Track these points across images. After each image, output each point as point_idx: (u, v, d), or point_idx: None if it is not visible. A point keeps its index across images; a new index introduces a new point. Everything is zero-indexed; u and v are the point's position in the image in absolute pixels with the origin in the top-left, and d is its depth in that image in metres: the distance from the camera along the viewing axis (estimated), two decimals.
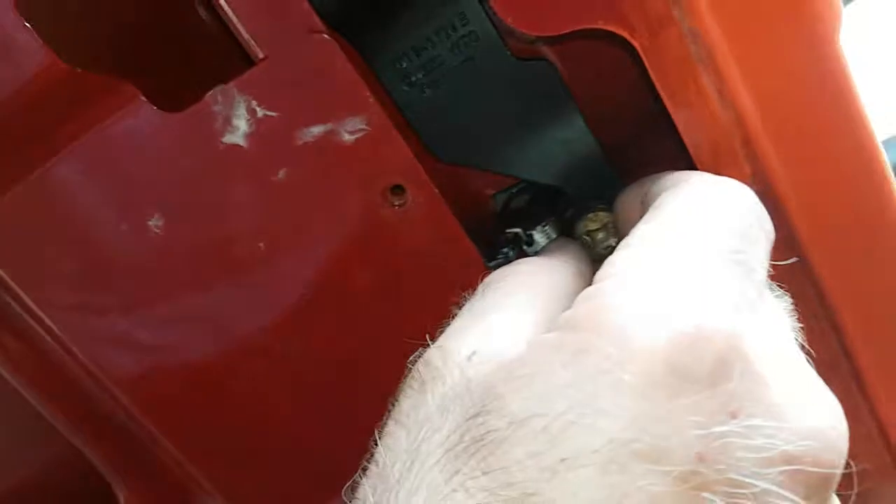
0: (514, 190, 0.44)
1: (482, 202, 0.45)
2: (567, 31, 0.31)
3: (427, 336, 0.30)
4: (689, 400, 0.22)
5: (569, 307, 0.26)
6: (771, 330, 0.26)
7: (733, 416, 0.22)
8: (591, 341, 0.23)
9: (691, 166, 0.35)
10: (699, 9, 0.30)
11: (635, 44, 0.31)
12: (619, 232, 0.39)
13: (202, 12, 0.39)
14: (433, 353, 0.28)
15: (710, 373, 0.22)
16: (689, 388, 0.22)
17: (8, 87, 0.32)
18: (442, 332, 0.31)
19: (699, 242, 0.26)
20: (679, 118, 0.33)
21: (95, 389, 0.42)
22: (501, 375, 0.24)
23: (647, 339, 0.22)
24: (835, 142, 0.33)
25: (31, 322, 0.41)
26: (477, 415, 0.23)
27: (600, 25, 0.31)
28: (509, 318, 0.29)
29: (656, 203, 0.29)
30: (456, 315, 0.32)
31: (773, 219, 0.35)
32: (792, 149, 0.33)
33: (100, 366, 0.41)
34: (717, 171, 0.34)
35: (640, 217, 0.29)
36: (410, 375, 0.28)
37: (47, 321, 0.40)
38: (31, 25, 0.31)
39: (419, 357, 0.29)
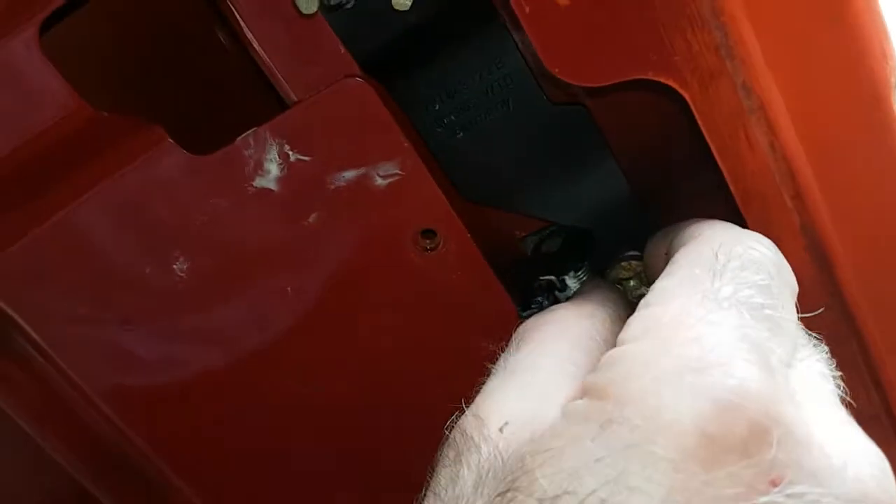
0: (545, 232, 0.43)
1: (511, 243, 0.44)
2: (616, 81, 0.30)
3: (462, 400, 0.29)
4: (726, 471, 0.21)
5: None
6: (807, 386, 0.25)
7: (774, 484, 0.21)
8: (617, 412, 0.22)
9: (728, 212, 0.34)
10: (753, 62, 0.29)
11: (685, 95, 0.30)
12: (649, 280, 0.38)
13: (229, 47, 0.38)
14: (468, 422, 0.27)
15: (745, 441, 0.21)
16: (724, 458, 0.21)
17: (33, 128, 0.31)
18: (478, 391, 0.30)
19: (722, 300, 0.25)
20: (727, 168, 0.32)
21: (111, 432, 0.40)
22: (532, 448, 0.23)
23: (675, 408, 0.21)
24: (885, 198, 0.32)
25: (43, 361, 0.40)
26: (507, 491, 0.22)
27: (650, 76, 0.30)
28: (543, 378, 0.28)
29: (676, 257, 0.28)
30: (491, 370, 0.31)
31: (819, 270, 0.35)
32: (843, 203, 0.32)
33: (115, 408, 0.40)
34: (766, 222, 0.33)
35: (664, 269, 0.28)
36: (447, 443, 0.28)
37: (60, 362, 0.39)
38: (58, 68, 0.30)
39: (455, 422, 0.28)
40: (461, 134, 0.38)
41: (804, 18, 0.29)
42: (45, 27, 0.28)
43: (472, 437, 0.26)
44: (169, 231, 0.36)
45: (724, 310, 0.24)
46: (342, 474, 0.43)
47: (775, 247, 0.29)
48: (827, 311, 0.35)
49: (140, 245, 0.36)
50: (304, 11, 0.30)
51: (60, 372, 0.39)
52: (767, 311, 0.25)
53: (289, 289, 0.39)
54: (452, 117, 0.38)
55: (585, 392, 0.24)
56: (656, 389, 0.22)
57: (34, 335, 0.38)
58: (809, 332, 0.28)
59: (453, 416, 0.29)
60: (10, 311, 0.37)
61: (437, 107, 0.37)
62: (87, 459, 0.40)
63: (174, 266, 0.37)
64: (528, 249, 0.44)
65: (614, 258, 0.41)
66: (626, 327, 0.26)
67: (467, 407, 0.29)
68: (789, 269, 0.28)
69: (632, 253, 0.41)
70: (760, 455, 0.21)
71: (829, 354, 0.28)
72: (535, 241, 0.43)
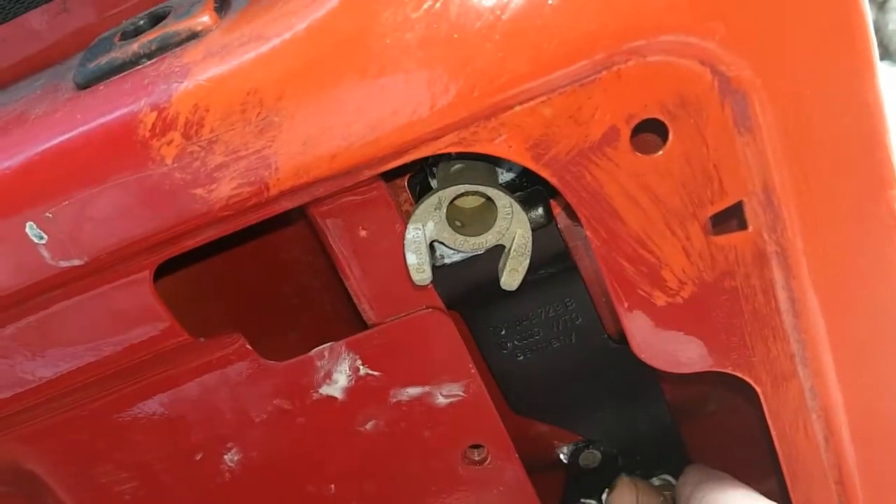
0: (580, 445, 0.44)
1: (549, 451, 0.45)
2: (699, 371, 0.32)
3: None
4: None
5: None
6: None
7: None
8: None
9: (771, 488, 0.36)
10: (824, 372, 0.31)
11: (758, 389, 0.32)
12: None
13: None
14: None
15: None
16: None
17: (133, 341, 0.31)
18: None
19: None
20: (783, 452, 0.34)
21: None
22: None
23: None
24: None
25: None
26: None
27: (729, 371, 0.32)
28: None
29: None
30: None
31: None
32: (878, 493, 0.34)
33: None
34: (809, 498, 0.35)
35: None
36: None
37: None
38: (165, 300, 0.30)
39: None
40: (521, 357, 0.40)
41: (875, 348, 0.31)
42: (165, 267, 0.29)
43: None
44: (229, 424, 0.37)
45: None
46: None
47: None
48: None
49: (199, 434, 0.37)
50: (418, 283, 0.31)
51: None
52: None
53: (332, 486, 0.39)
54: (516, 342, 0.39)
55: None
56: None
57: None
58: None
59: None
60: (52, 483, 0.37)
61: (503, 332, 0.39)
62: None
63: (225, 456, 0.38)
64: (562, 456, 0.45)
65: (646, 475, 0.43)
66: None
67: None
68: None
69: (665, 478, 0.43)
70: None
71: None
72: (572, 450, 0.44)
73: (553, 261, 0.35)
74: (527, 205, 0.32)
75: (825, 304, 0.30)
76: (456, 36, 0.24)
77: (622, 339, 0.39)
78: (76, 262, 0.27)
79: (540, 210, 0.32)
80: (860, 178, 0.28)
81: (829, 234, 0.28)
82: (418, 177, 0.34)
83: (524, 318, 0.39)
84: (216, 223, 0.27)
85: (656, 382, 0.41)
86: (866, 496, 0.35)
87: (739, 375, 0.32)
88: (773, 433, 0.33)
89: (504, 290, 0.36)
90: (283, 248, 0.39)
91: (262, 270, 0.39)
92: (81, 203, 0.26)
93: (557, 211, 0.35)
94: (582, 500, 0.41)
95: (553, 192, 0.34)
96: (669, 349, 0.31)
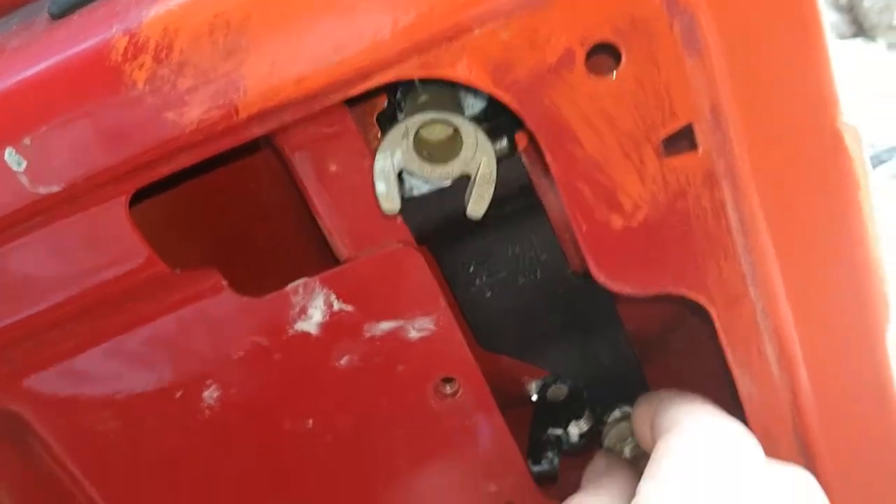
0: (549, 380, 0.46)
1: (518, 386, 0.46)
2: (653, 294, 0.33)
3: None
4: None
5: None
6: None
7: None
8: None
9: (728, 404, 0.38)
10: (774, 292, 0.33)
11: (711, 311, 0.34)
12: (638, 442, 0.41)
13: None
14: None
15: None
16: None
17: (109, 274, 0.32)
18: None
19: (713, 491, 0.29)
20: (737, 371, 0.35)
21: None
22: None
23: None
24: (869, 417, 0.36)
25: (54, 465, 0.40)
26: None
27: (683, 293, 0.33)
28: None
29: (659, 454, 0.32)
30: None
31: (805, 468, 0.38)
32: (832, 412, 0.36)
33: None
34: (764, 420, 0.37)
35: (651, 440, 0.33)
36: None
37: (75, 471, 0.40)
38: (143, 230, 0.31)
39: None
40: (489, 293, 0.41)
41: (824, 265, 0.32)
42: (138, 197, 0.30)
43: None
44: (207, 361, 0.38)
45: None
46: None
47: (753, 442, 0.33)
48: None
49: (178, 371, 0.38)
50: (387, 212, 0.32)
51: (75, 481, 0.40)
52: None
53: (309, 422, 0.41)
54: (484, 278, 0.41)
55: None
56: None
57: (54, 445, 0.39)
58: None
59: None
60: (34, 423, 0.38)
61: (471, 269, 0.40)
62: None
63: (205, 393, 0.39)
64: (532, 392, 0.46)
65: (609, 414, 0.44)
66: None
67: None
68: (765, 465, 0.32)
69: (625, 409, 0.44)
70: None
71: None
72: (540, 386, 0.46)
73: (518, 195, 0.37)
74: (491, 136, 0.33)
75: (773, 224, 0.31)
76: None
77: (586, 275, 0.41)
78: (54, 189, 0.28)
79: (504, 141, 0.34)
80: (804, 100, 0.29)
81: (775, 155, 0.30)
82: (387, 113, 0.35)
83: (491, 255, 0.40)
84: (188, 148, 0.28)
85: (618, 318, 0.42)
86: (821, 415, 0.37)
87: (693, 297, 0.33)
88: (728, 356, 0.35)
89: (472, 226, 0.37)
90: (256, 187, 0.40)
91: (235, 210, 0.40)
92: (59, 129, 0.27)
93: (524, 145, 0.36)
94: (549, 430, 0.42)
95: (517, 127, 0.35)
96: (626, 272, 0.33)
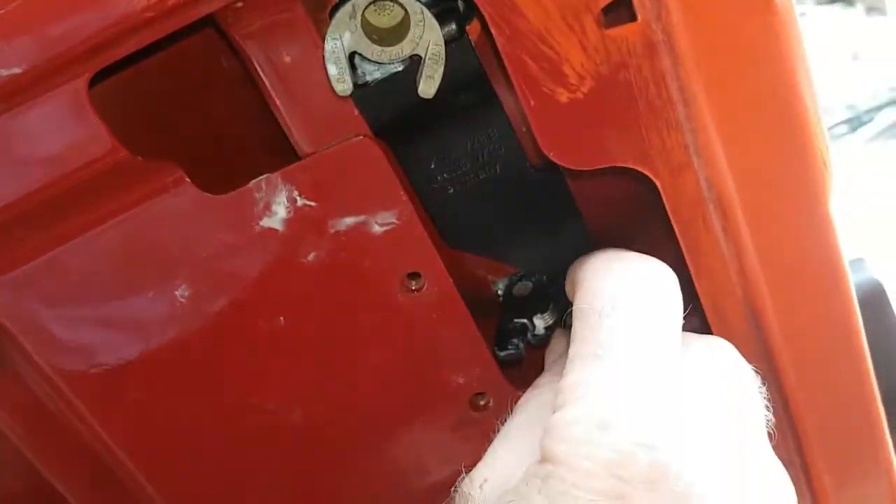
0: (514, 277, 0.48)
1: (485, 285, 0.48)
2: (600, 167, 0.35)
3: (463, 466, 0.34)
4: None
5: None
6: (712, 431, 0.31)
7: None
8: (552, 469, 0.29)
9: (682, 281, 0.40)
10: (716, 162, 0.34)
11: (657, 182, 0.35)
12: None
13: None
14: (464, 481, 0.34)
15: (645, 481, 0.28)
16: (631, 493, 0.28)
17: (71, 164, 0.33)
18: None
19: (622, 354, 0.31)
20: (685, 245, 0.37)
21: (103, 450, 0.42)
22: (497, 501, 0.31)
23: (590, 460, 0.28)
24: (816, 280, 0.38)
25: (37, 376, 0.41)
26: None
27: (629, 165, 0.35)
28: (515, 447, 0.34)
29: (581, 306, 0.34)
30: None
31: (755, 337, 0.40)
32: (779, 281, 0.38)
33: (107, 427, 0.42)
34: (714, 293, 0.39)
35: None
36: (454, 499, 0.34)
37: (55, 378, 0.41)
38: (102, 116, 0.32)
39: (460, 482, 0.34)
40: (451, 190, 0.42)
41: (762, 132, 0.34)
42: (94, 80, 0.31)
43: (463, 493, 0.33)
44: (175, 260, 0.39)
45: (624, 363, 0.31)
46: (313, 497, 0.46)
47: (665, 272, 0.35)
48: (757, 371, 0.40)
49: (148, 271, 0.39)
50: (340, 94, 0.33)
51: (55, 389, 0.41)
52: (663, 350, 0.32)
53: (281, 319, 0.42)
54: (445, 175, 0.42)
55: (540, 454, 0.30)
56: (577, 449, 0.29)
57: (32, 352, 0.40)
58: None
59: (459, 478, 0.34)
60: (10, 327, 0.39)
61: (431, 166, 0.41)
62: (78, 473, 0.42)
63: (176, 292, 0.40)
64: (498, 291, 0.48)
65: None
66: (557, 393, 0.32)
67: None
68: (678, 294, 0.35)
69: None
70: (657, 492, 0.28)
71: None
72: (506, 284, 0.48)
73: (472, 85, 0.38)
74: (441, 20, 0.34)
75: (711, 91, 0.33)
76: None
77: (546, 168, 0.42)
78: (15, 71, 0.29)
79: (453, 25, 0.35)
80: None
81: (708, 19, 0.31)
82: (340, 6, 0.36)
83: (451, 151, 0.41)
84: (142, 27, 0.29)
85: (579, 212, 0.44)
86: (768, 282, 0.39)
87: (638, 168, 0.35)
88: (676, 228, 0.37)
89: (429, 120, 0.38)
90: (215, 84, 0.41)
91: (194, 108, 0.41)
92: (19, 9, 0.28)
93: (476, 36, 0.37)
94: (514, 320, 0.44)
95: (468, 14, 0.36)
96: (574, 145, 0.34)
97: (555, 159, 0.34)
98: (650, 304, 0.33)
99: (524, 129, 0.41)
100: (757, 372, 0.36)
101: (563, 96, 0.33)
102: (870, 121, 2.37)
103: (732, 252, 0.37)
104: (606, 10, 0.31)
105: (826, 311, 0.39)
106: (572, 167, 0.34)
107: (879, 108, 2.34)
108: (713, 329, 0.40)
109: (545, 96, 0.33)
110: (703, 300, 0.39)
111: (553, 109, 0.33)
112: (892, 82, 2.38)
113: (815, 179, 0.35)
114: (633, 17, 0.31)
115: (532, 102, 0.33)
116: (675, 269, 0.38)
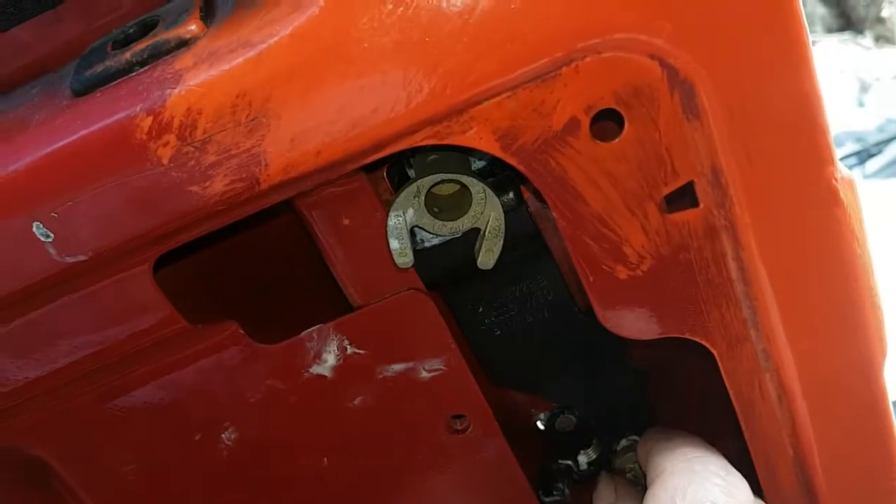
0: (556, 412, 0.47)
1: (527, 418, 0.48)
2: (658, 337, 0.34)
3: None
4: None
5: None
6: None
7: None
8: None
9: (734, 449, 0.39)
10: (774, 336, 0.34)
11: (714, 352, 0.35)
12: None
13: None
14: None
15: None
16: None
17: (134, 329, 0.34)
18: None
19: None
20: (741, 410, 0.37)
21: None
22: None
23: None
24: (869, 459, 0.38)
25: None
26: None
27: (687, 336, 0.34)
28: None
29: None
30: None
31: (803, 495, 0.39)
32: (829, 445, 0.38)
33: None
34: (766, 453, 0.38)
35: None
36: None
37: None
38: (163, 288, 0.33)
39: None
40: (498, 332, 0.42)
41: (821, 310, 0.34)
42: (163, 260, 0.31)
43: None
44: (225, 405, 0.39)
45: None
46: None
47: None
48: None
49: (198, 415, 0.39)
50: (401, 266, 0.33)
51: None
52: None
53: (325, 459, 0.42)
54: (493, 318, 0.42)
55: None
56: None
57: (78, 490, 0.40)
58: None
59: None
60: (58, 467, 0.39)
61: (480, 309, 0.41)
62: None
63: (223, 435, 0.40)
64: (542, 424, 0.48)
65: (617, 443, 0.46)
66: None
67: None
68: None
69: (633, 438, 0.46)
70: None
71: None
72: (548, 416, 0.47)
73: (525, 242, 0.38)
74: (498, 190, 0.34)
75: (772, 273, 0.33)
76: (427, 39, 0.26)
77: (590, 311, 0.42)
78: (81, 258, 0.29)
79: (511, 194, 0.35)
80: (800, 157, 0.31)
81: (774, 209, 0.31)
82: (396, 167, 0.36)
83: (500, 296, 0.41)
84: (211, 217, 0.29)
85: (623, 351, 0.43)
86: (820, 448, 0.38)
87: (697, 340, 0.35)
88: (731, 393, 0.36)
89: (481, 272, 0.38)
90: (274, 240, 0.41)
91: (253, 261, 0.41)
92: (84, 203, 0.28)
93: (528, 195, 0.37)
94: (559, 461, 0.44)
95: (523, 178, 0.36)
96: (632, 318, 0.34)
97: (613, 331, 0.34)
98: None
99: (572, 277, 0.41)
100: None
101: (623, 273, 0.33)
102: (878, 153, 2.32)
103: (787, 417, 0.37)
104: (669, 196, 0.31)
105: (877, 476, 0.38)
106: (630, 338, 0.34)
107: (888, 141, 2.31)
108: (762, 484, 0.39)
109: (604, 273, 0.33)
110: (754, 459, 0.38)
111: (612, 285, 0.33)
112: None
113: (871, 356, 0.35)
114: (695, 203, 0.31)
115: (591, 278, 0.33)
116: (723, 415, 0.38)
